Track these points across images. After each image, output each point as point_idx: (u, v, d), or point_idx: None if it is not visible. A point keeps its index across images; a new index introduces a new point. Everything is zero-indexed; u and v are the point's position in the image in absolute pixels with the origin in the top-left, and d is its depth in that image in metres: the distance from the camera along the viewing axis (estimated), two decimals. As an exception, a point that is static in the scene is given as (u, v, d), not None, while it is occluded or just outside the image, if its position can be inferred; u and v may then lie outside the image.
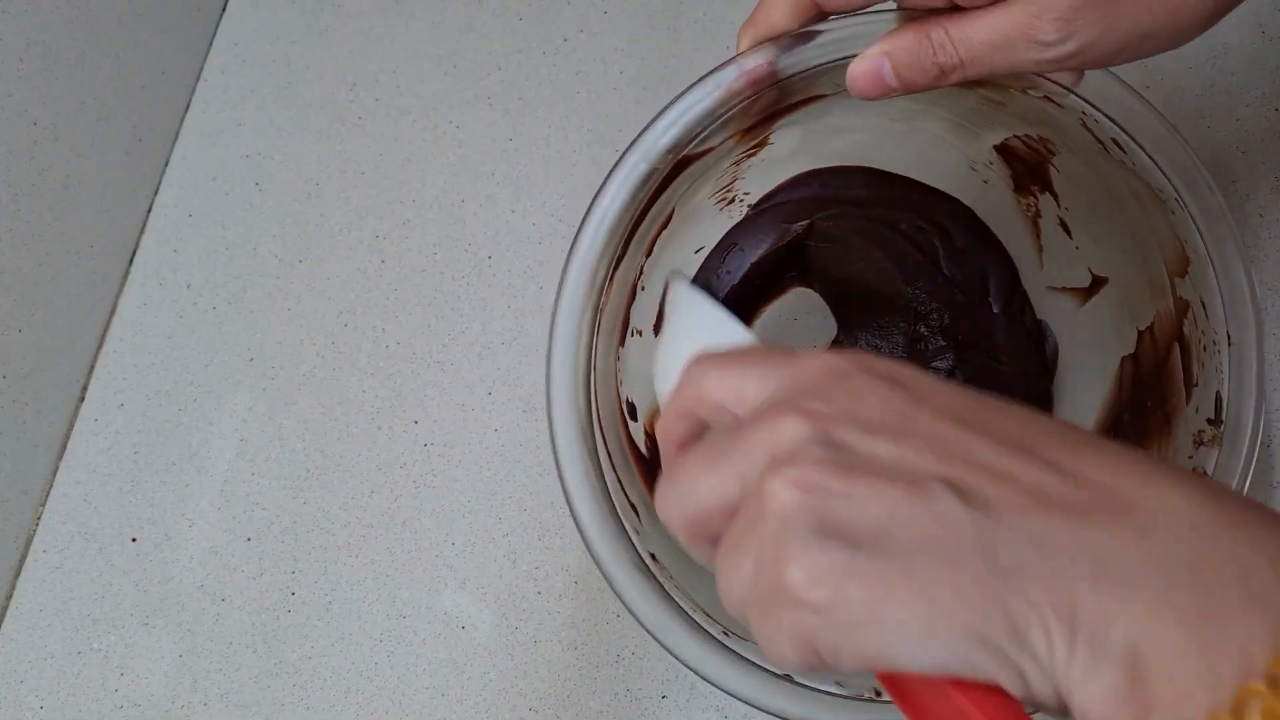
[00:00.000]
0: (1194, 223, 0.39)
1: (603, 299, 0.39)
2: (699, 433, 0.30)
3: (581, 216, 0.38)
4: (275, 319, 0.57)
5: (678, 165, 0.39)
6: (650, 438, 0.46)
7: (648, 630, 0.37)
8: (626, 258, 0.40)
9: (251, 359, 0.57)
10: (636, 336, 0.46)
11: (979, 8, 0.31)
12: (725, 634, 0.38)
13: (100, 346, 0.58)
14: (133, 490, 0.55)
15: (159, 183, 0.61)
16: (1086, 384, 0.47)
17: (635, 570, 0.37)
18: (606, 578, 0.37)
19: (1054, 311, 0.49)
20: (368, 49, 0.63)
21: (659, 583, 0.37)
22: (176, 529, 0.54)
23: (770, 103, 0.40)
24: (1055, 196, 0.45)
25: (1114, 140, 0.39)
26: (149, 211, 0.61)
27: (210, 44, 0.64)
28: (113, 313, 0.59)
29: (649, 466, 0.45)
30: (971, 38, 0.31)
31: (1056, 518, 0.23)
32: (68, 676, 0.51)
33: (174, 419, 0.56)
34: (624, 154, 0.38)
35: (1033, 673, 0.22)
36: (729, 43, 0.60)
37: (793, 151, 0.47)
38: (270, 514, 0.53)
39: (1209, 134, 0.55)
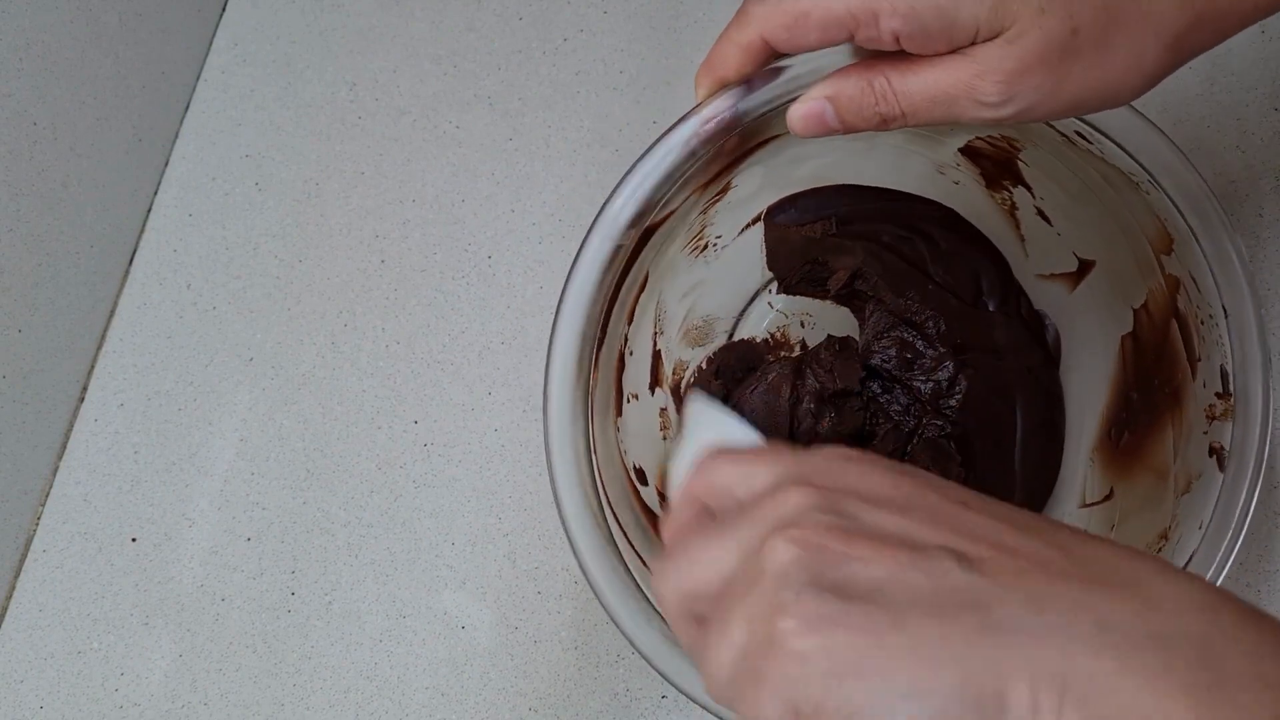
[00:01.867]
0: (1172, 202, 0.38)
1: (591, 383, 0.38)
2: (704, 521, 0.29)
3: (576, 220, 0.38)
4: (275, 319, 0.57)
5: (644, 235, 0.38)
6: (663, 497, 0.45)
7: (694, 700, 0.37)
8: (608, 338, 0.39)
9: (251, 359, 0.57)
10: (632, 401, 0.45)
11: (926, 57, 0.30)
12: None
13: (100, 346, 0.58)
14: (133, 490, 0.55)
15: (159, 183, 0.61)
16: (1091, 368, 0.47)
17: (669, 645, 0.37)
18: (645, 658, 0.37)
19: (1048, 300, 0.49)
20: (368, 49, 0.63)
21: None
22: (176, 529, 0.54)
23: (731, 149, 0.39)
24: (1029, 188, 0.45)
25: (1077, 133, 0.39)
26: (149, 211, 0.61)
27: (210, 44, 0.64)
28: (113, 313, 0.59)
29: None
30: (913, 91, 0.31)
31: (1058, 583, 0.23)
32: (68, 676, 0.51)
33: (174, 419, 0.56)
34: (588, 234, 0.37)
35: None
36: (729, 43, 0.60)
37: (759, 188, 0.47)
38: (270, 514, 0.53)
39: (1208, 134, 0.55)
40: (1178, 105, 0.55)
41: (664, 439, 0.48)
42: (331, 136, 0.61)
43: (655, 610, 0.37)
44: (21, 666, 0.52)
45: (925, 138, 0.45)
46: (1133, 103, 0.38)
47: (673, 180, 0.36)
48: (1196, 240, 0.38)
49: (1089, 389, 0.47)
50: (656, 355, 0.48)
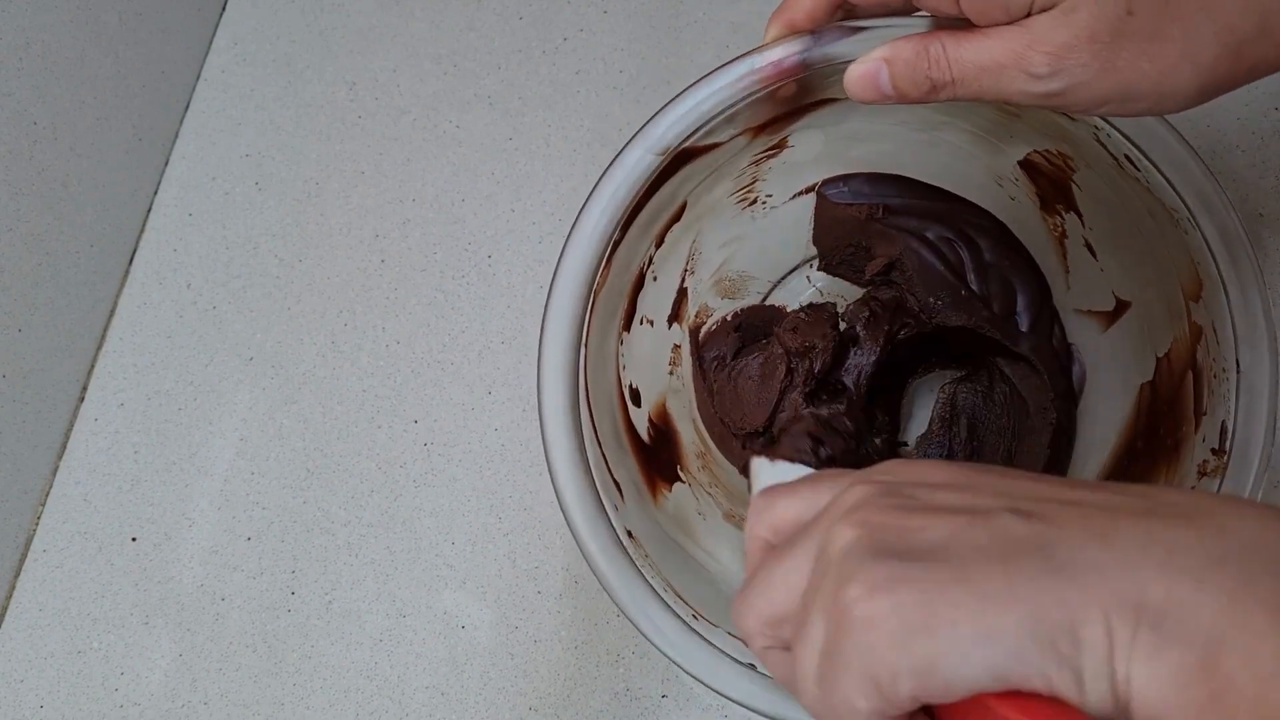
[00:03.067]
0: (1206, 244, 0.37)
1: (598, 280, 0.39)
2: (771, 552, 0.29)
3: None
4: (275, 319, 0.57)
5: (681, 157, 0.39)
6: (653, 425, 0.46)
7: (618, 605, 0.37)
8: (626, 241, 0.40)
9: (251, 358, 0.57)
10: (646, 326, 0.46)
11: (984, 28, 0.31)
12: (694, 617, 0.38)
13: (100, 346, 0.58)
14: (133, 490, 0.55)
15: (159, 182, 0.61)
16: (1107, 410, 0.46)
17: (611, 545, 0.38)
18: (582, 549, 0.38)
19: (1080, 335, 0.48)
20: (368, 49, 0.63)
21: (632, 559, 0.38)
22: (176, 529, 0.54)
23: (787, 99, 0.39)
24: (1080, 216, 0.45)
25: (1126, 156, 0.38)
26: (149, 211, 0.61)
27: (210, 44, 0.64)
28: (113, 312, 0.59)
29: (647, 453, 0.45)
30: (965, 57, 0.31)
31: (1124, 520, 0.23)
32: (68, 676, 0.51)
33: (174, 418, 0.56)
34: (628, 143, 0.38)
35: (1090, 668, 0.21)
36: (728, 41, 0.60)
37: (815, 156, 0.47)
38: (270, 513, 0.53)
39: (1209, 133, 0.55)
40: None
41: (670, 374, 0.48)
42: (331, 136, 0.61)
43: (602, 506, 0.38)
44: (21, 666, 0.52)
45: (987, 142, 0.45)
46: (1183, 136, 0.37)
47: (722, 111, 0.37)
48: (1224, 288, 0.37)
49: (1100, 431, 0.46)
50: (682, 292, 0.48)
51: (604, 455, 0.40)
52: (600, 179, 0.38)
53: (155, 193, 0.61)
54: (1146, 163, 0.38)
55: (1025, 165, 0.45)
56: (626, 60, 0.60)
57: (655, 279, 0.45)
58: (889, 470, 0.27)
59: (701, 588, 0.41)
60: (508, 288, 0.56)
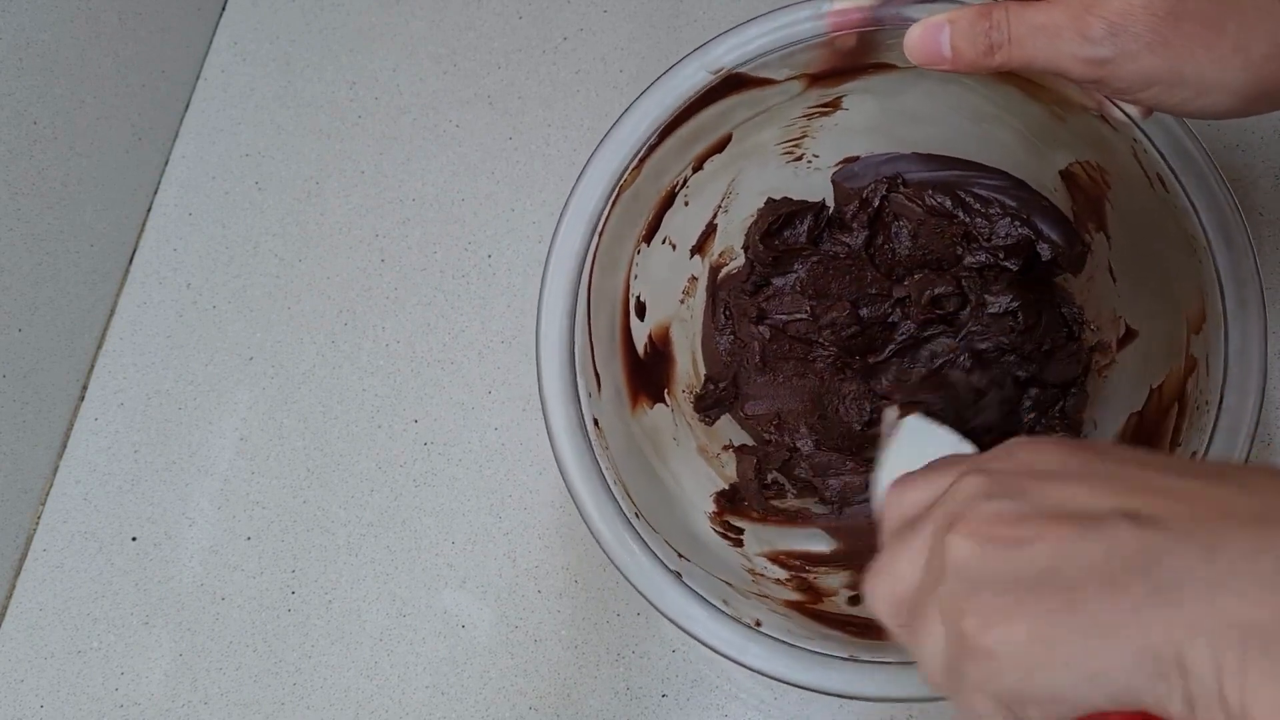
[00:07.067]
0: (1218, 277, 0.37)
1: (626, 177, 0.40)
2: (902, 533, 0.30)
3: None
4: (275, 318, 0.57)
5: (732, 82, 0.40)
6: (652, 343, 0.47)
7: (566, 480, 0.38)
8: (662, 149, 0.41)
9: (251, 358, 0.57)
10: (669, 247, 0.47)
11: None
12: (636, 515, 0.38)
13: (100, 346, 0.58)
14: (133, 489, 0.55)
15: (159, 182, 0.61)
16: (1098, 437, 0.46)
17: (575, 422, 0.39)
18: (546, 416, 0.39)
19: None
20: (367, 48, 0.63)
21: (589, 441, 0.39)
22: (176, 528, 0.54)
23: (845, 53, 0.40)
24: (1108, 238, 0.45)
25: (1159, 176, 0.38)
26: (149, 211, 0.61)
27: (210, 44, 0.64)
28: (113, 312, 0.59)
29: (638, 366, 0.46)
30: (1026, 18, 0.32)
31: (1232, 527, 0.23)
32: (68, 676, 0.51)
33: (174, 418, 0.56)
34: (686, 56, 0.40)
35: (1201, 696, 0.21)
36: (729, 41, 0.60)
37: (868, 127, 0.47)
38: (270, 513, 0.53)
39: (1209, 132, 0.55)
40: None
41: (681, 302, 0.50)
42: (331, 135, 0.61)
43: (576, 387, 0.39)
44: (21, 666, 0.52)
45: (1033, 146, 0.45)
46: (1218, 168, 0.37)
47: (780, 47, 0.39)
48: (1226, 325, 0.37)
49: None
50: (712, 227, 0.49)
51: (591, 345, 0.41)
52: (650, 84, 0.39)
53: (155, 193, 0.61)
54: (1176, 185, 0.38)
55: (1066, 176, 0.45)
56: (626, 60, 0.60)
57: (687, 204, 0.46)
58: (1004, 456, 0.27)
59: (653, 495, 0.42)
60: (508, 288, 0.56)
